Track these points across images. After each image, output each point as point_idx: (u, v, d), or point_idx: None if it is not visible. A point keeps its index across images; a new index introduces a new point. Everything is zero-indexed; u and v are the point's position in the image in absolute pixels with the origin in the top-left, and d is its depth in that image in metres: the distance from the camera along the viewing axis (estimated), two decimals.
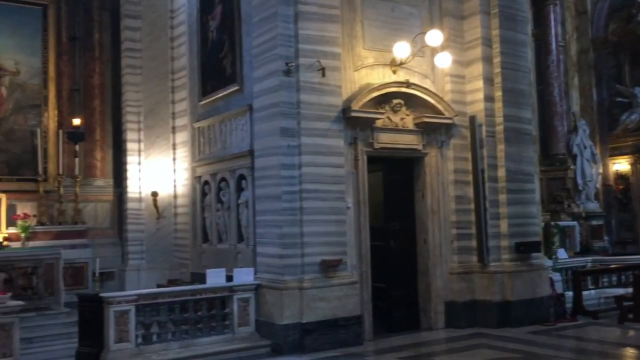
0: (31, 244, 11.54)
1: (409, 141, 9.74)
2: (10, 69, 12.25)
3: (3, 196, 11.53)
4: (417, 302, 9.94)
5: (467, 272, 9.93)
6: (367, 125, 9.27)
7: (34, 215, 11.91)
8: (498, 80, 10.05)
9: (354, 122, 9.08)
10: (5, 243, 11.26)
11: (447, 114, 9.85)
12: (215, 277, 8.71)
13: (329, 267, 8.54)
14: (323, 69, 8.68)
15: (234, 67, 10.36)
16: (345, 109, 8.95)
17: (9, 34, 12.23)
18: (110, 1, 13.29)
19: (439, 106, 9.78)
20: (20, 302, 7.40)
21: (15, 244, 11.39)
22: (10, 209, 11.65)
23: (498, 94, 10.05)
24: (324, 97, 8.79)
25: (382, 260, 9.62)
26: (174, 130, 12.49)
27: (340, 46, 9.06)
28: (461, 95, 10.18)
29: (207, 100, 11.19)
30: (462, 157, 10.09)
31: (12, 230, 11.51)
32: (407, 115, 9.66)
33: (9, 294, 7.60)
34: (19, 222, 11.54)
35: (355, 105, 8.99)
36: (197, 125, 11.51)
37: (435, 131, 9.92)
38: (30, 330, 9.06)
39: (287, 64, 8.60)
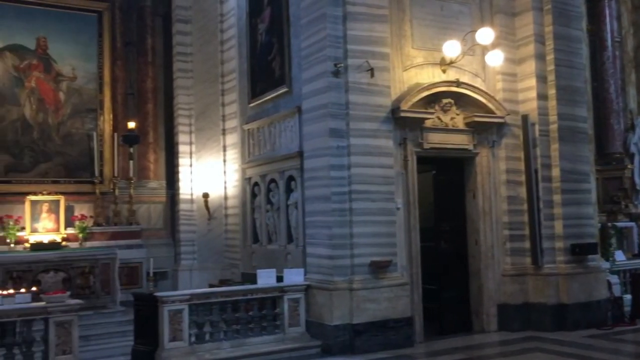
0: (88, 244, 11.91)
1: (460, 141, 9.62)
2: (68, 75, 12.68)
3: (62, 198, 11.92)
4: (469, 304, 9.80)
5: (520, 274, 9.73)
6: (417, 125, 9.19)
7: (91, 216, 12.29)
8: (552, 77, 9.82)
9: (403, 123, 9.02)
10: (64, 243, 11.66)
11: (498, 113, 9.68)
12: (266, 278, 8.79)
13: (378, 268, 8.51)
14: (372, 70, 8.66)
15: (283, 69, 10.43)
16: (395, 109, 8.90)
17: (66, 40, 12.66)
18: (162, 6, 13.60)
19: (490, 105, 9.62)
20: (79, 301, 7.65)
21: (74, 244, 11.79)
22: (69, 210, 12.05)
23: (552, 91, 9.82)
24: (373, 98, 8.76)
25: (432, 262, 9.52)
26: (224, 132, 12.67)
27: (389, 46, 9.02)
28: (513, 94, 9.99)
29: (256, 103, 11.31)
30: (514, 156, 9.90)
31: (71, 230, 11.90)
32: (457, 114, 9.54)
33: (68, 293, 7.84)
34: (77, 223, 11.93)
35: (405, 106, 8.92)
36: (246, 127, 11.65)
37: (486, 130, 9.77)
38: (88, 328, 9.33)
39: (335, 65, 8.61)
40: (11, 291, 8.31)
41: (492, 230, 9.73)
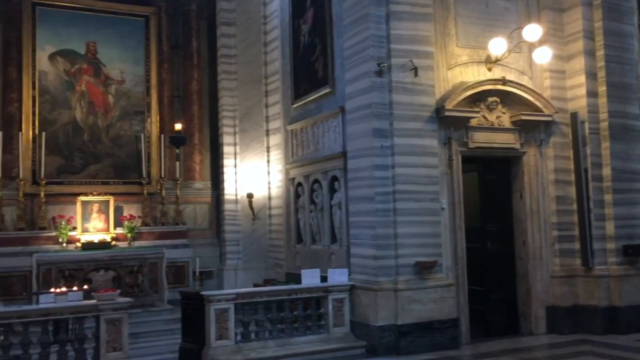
0: (137, 243, 12.19)
1: (506, 140, 9.46)
2: (117, 78, 12.99)
3: (111, 198, 12.23)
4: (517, 306, 9.63)
5: (569, 275, 9.51)
6: (462, 124, 9.08)
7: (139, 217, 12.56)
8: (602, 74, 9.57)
9: (447, 122, 8.93)
10: (113, 243, 11.96)
11: (546, 111, 9.49)
12: (310, 278, 8.82)
13: (423, 269, 8.44)
14: (416, 69, 8.60)
15: (326, 70, 10.46)
16: (439, 109, 8.81)
17: (115, 45, 12.98)
18: (207, 10, 13.80)
19: (538, 103, 9.43)
20: (128, 299, 7.81)
21: (122, 244, 12.08)
22: (118, 211, 12.34)
23: (602, 88, 9.57)
24: (417, 97, 8.70)
25: (478, 263, 9.39)
26: (267, 133, 12.78)
27: (433, 45, 8.94)
28: (561, 91, 9.77)
29: (300, 103, 11.37)
30: (563, 155, 9.68)
31: (120, 230, 12.19)
32: (504, 113, 9.39)
33: (118, 291, 8.02)
34: (126, 223, 12.21)
35: (449, 105, 8.83)
36: (290, 127, 11.72)
37: (533, 129, 9.58)
38: (137, 326, 9.54)
39: (379, 64, 8.58)
40: (64, 289, 8.56)
41: (540, 230, 9.53)
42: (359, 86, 8.89)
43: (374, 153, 8.55)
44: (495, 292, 9.58)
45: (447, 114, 8.78)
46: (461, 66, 9.27)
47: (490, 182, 9.84)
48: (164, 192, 12.84)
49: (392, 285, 8.34)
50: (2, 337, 7.15)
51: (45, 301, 7.50)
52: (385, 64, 8.57)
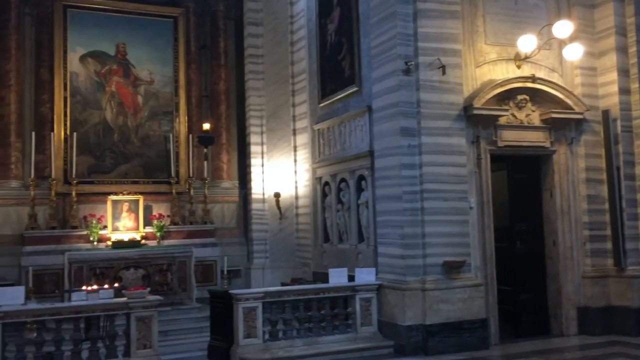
0: (166, 242, 12.32)
1: (536, 138, 9.34)
2: (146, 79, 13.15)
3: (141, 198, 12.38)
4: (547, 307, 9.51)
5: (601, 276, 9.35)
6: (490, 122, 8.99)
7: (168, 216, 12.69)
8: (634, 71, 9.38)
9: (476, 120, 8.85)
10: (143, 241, 12.10)
11: (577, 109, 9.34)
12: (337, 277, 8.82)
13: (452, 269, 8.39)
14: (443, 67, 8.54)
15: (353, 69, 10.44)
16: (467, 107, 8.74)
17: (144, 45, 13.14)
18: (234, 10, 13.88)
19: (568, 101, 9.29)
20: (158, 297, 7.91)
21: (152, 243, 12.21)
22: (147, 210, 12.49)
23: (634, 85, 9.39)
24: (445, 96, 8.64)
25: (507, 262, 9.29)
26: (294, 132, 12.81)
27: (461, 42, 8.87)
28: (593, 89, 9.61)
29: (326, 102, 11.37)
30: (594, 154, 9.53)
31: (149, 229, 12.34)
32: (533, 111, 9.27)
33: (148, 289, 8.12)
34: (155, 222, 12.36)
35: (478, 103, 8.75)
36: (316, 127, 11.73)
37: (564, 127, 9.44)
38: (166, 324, 9.65)
39: (406, 63, 8.54)
40: (95, 287, 8.70)
41: (570, 230, 9.39)
42: (386, 85, 8.86)
43: (401, 152, 8.52)
44: (525, 292, 9.46)
45: (475, 112, 8.71)
46: (490, 64, 9.18)
47: (520, 181, 9.72)
48: (192, 191, 12.95)
49: (420, 285, 8.30)
50: (35, 334, 7.31)
51: (77, 299, 7.63)
52: (413, 62, 8.53)
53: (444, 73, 8.54)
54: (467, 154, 8.79)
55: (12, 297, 7.16)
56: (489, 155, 9.02)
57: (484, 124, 8.94)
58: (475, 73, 9.06)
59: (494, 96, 8.92)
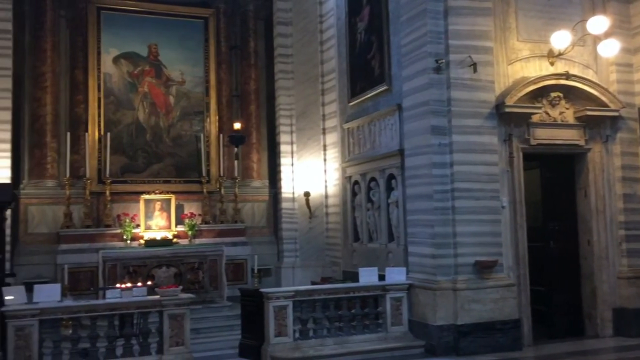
0: (197, 241, 12.46)
1: (569, 136, 9.19)
2: (177, 79, 13.31)
3: (172, 197, 12.54)
4: (581, 308, 9.34)
5: (638, 276, 9.16)
6: (523, 120, 8.87)
7: (199, 215, 12.84)
8: None
9: (508, 118, 8.74)
10: (175, 240, 12.25)
11: (612, 106, 9.16)
12: (368, 276, 8.81)
13: (483, 268, 8.30)
14: (474, 65, 8.45)
15: (382, 67, 10.40)
16: (499, 105, 8.63)
17: (175, 46, 13.31)
18: (264, 10, 13.96)
19: (603, 98, 9.11)
20: (190, 295, 8.00)
21: (183, 241, 12.36)
22: (179, 209, 12.65)
23: None
24: (476, 94, 8.55)
25: (541, 262, 9.16)
26: (324, 131, 12.80)
27: (493, 40, 8.77)
28: (629, 85, 9.42)
29: (356, 101, 11.35)
30: (630, 152, 9.35)
31: (180, 228, 12.49)
32: (567, 108, 9.12)
33: (180, 287, 8.21)
34: (186, 220, 12.50)
35: (510, 101, 8.63)
36: (346, 126, 11.72)
37: (598, 125, 9.27)
38: (198, 322, 9.76)
39: (437, 61, 8.48)
40: (129, 285, 8.83)
41: (606, 230, 9.22)
42: (416, 83, 8.81)
43: (432, 151, 8.46)
44: (558, 292, 9.31)
45: (507, 110, 8.60)
46: (522, 61, 9.05)
47: (553, 179, 9.58)
48: (222, 190, 13.07)
49: (451, 285, 8.24)
50: (70, 331, 7.45)
51: (112, 296, 7.75)
52: (443, 61, 8.47)
53: (475, 71, 8.46)
54: (499, 152, 8.69)
55: (48, 295, 7.32)
56: (521, 154, 8.90)
57: (517, 122, 8.83)
58: (507, 70, 8.95)
59: (527, 94, 8.80)
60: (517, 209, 8.76)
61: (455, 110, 8.44)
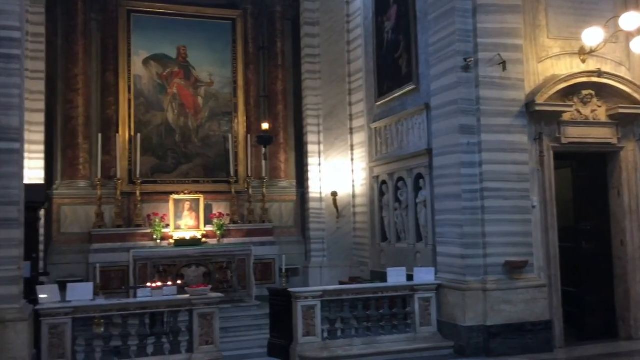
0: (225, 241, 12.58)
1: (602, 135, 9.02)
2: (205, 80, 13.44)
3: (201, 197, 12.66)
4: (614, 309, 9.15)
5: None
6: (553, 119, 8.74)
7: (227, 214, 12.94)
8: None
9: (538, 117, 8.62)
10: (203, 240, 12.37)
11: None
12: (396, 276, 8.77)
13: (513, 269, 8.21)
14: (504, 63, 8.36)
15: (410, 67, 10.36)
16: (529, 103, 8.52)
17: (204, 48, 13.45)
18: (291, 11, 14.01)
19: (637, 95, 8.93)
20: (219, 294, 8.05)
21: (212, 241, 12.47)
22: (207, 209, 12.76)
23: None
24: (506, 92, 8.46)
25: (572, 263, 9.02)
26: (351, 131, 12.80)
27: (522, 37, 8.67)
28: None
29: (383, 101, 11.32)
30: None
31: (209, 228, 12.60)
32: (599, 106, 8.96)
33: (210, 287, 8.27)
34: (215, 220, 12.61)
35: (540, 99, 8.52)
36: (373, 125, 11.69)
37: (632, 123, 9.09)
38: (227, 321, 9.81)
39: (465, 59, 8.42)
40: (159, 284, 8.94)
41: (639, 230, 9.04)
42: (444, 82, 8.75)
43: (460, 150, 8.40)
44: (590, 293, 9.15)
45: (537, 108, 8.49)
46: (552, 59, 8.92)
47: (585, 178, 9.42)
48: (250, 190, 13.15)
49: (480, 285, 8.17)
50: (102, 329, 7.57)
51: (143, 295, 7.86)
52: (472, 59, 8.39)
53: (504, 69, 8.36)
54: (529, 151, 8.58)
55: (81, 293, 7.44)
56: (552, 153, 8.78)
57: (547, 120, 8.70)
58: (537, 68, 8.83)
59: (558, 92, 8.67)
60: (547, 209, 8.64)
61: (484, 109, 8.36)
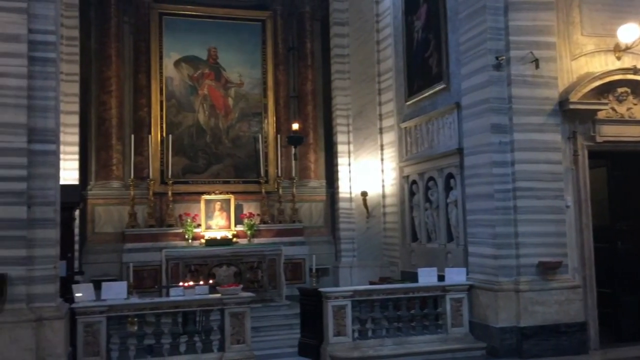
0: (256, 240, 12.65)
1: (638, 133, 8.83)
2: (236, 81, 13.54)
3: (232, 197, 12.76)
4: None
5: None
6: (588, 117, 8.60)
7: (258, 214, 13.02)
8: None
9: (572, 115, 8.48)
10: (234, 240, 12.46)
11: None
12: (427, 276, 8.72)
13: (547, 269, 8.10)
14: (536, 61, 8.25)
15: (440, 66, 10.29)
16: (562, 102, 8.39)
17: (234, 49, 13.55)
18: (320, 11, 14.03)
19: None
20: (251, 294, 8.09)
21: (242, 241, 12.56)
22: (238, 209, 12.86)
23: None
24: (538, 90, 8.35)
25: (607, 264, 8.85)
26: (381, 131, 12.77)
27: (555, 35, 8.54)
28: None
29: (413, 100, 11.28)
30: None
31: (240, 228, 12.69)
32: (635, 104, 8.79)
33: (241, 286, 8.33)
34: (245, 220, 12.70)
35: (574, 97, 8.39)
36: (403, 125, 11.64)
37: None
38: (257, 320, 9.84)
39: (497, 58, 8.33)
40: (191, 283, 9.03)
41: None
42: (475, 81, 8.67)
43: (492, 149, 8.32)
44: (626, 294, 8.98)
45: (571, 106, 8.35)
46: (587, 56, 8.78)
47: (620, 178, 9.25)
48: (280, 190, 13.21)
49: (513, 286, 8.08)
50: (136, 327, 7.67)
51: (175, 294, 7.95)
52: (504, 57, 8.30)
53: (537, 67, 8.26)
54: (563, 150, 8.46)
55: (116, 292, 7.55)
56: (586, 152, 8.63)
57: (581, 119, 8.56)
58: (571, 66, 8.70)
59: (592, 90, 8.53)
60: (582, 209, 8.50)
61: (516, 108, 8.27)
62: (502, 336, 8.01)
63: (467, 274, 8.75)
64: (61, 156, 9.50)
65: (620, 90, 8.67)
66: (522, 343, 7.94)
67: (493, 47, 8.37)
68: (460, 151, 9.43)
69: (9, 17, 6.54)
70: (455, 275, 8.71)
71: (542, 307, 8.03)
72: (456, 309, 8.52)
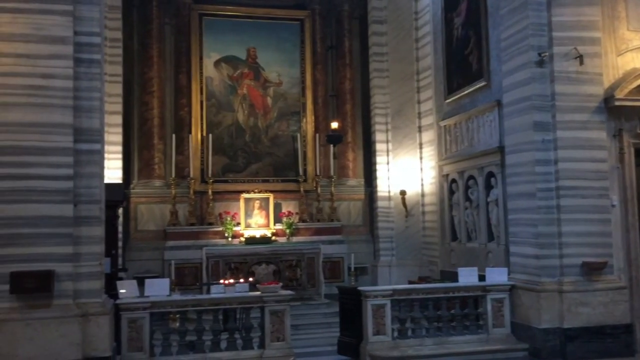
0: (294, 239, 12.71)
1: None
2: (274, 81, 13.63)
3: (271, 195, 12.85)
4: None
5: None
6: (634, 114, 8.38)
7: (296, 213, 13.09)
8: None
9: (618, 112, 8.28)
10: (273, 238, 12.55)
11: None
12: (467, 276, 8.63)
13: (591, 270, 7.92)
14: (581, 57, 8.08)
15: (481, 63, 10.17)
16: (608, 98, 8.20)
17: (272, 49, 13.64)
18: (358, 10, 14.01)
19: None
20: (290, 292, 8.14)
21: (281, 239, 12.64)
22: (277, 207, 12.94)
23: None
24: (582, 87, 8.17)
25: None
26: (420, 129, 12.69)
27: (600, 30, 8.35)
28: None
29: (453, 98, 11.17)
30: None
31: (279, 226, 12.78)
32: None
33: (280, 284, 8.39)
34: (284, 219, 12.78)
35: (620, 93, 8.18)
36: (442, 123, 11.55)
37: None
38: (296, 318, 9.87)
39: (539, 54, 8.19)
40: (231, 281, 9.13)
41: None
42: (517, 78, 8.54)
43: (534, 147, 8.18)
44: None
45: (617, 103, 8.16)
46: (633, 51, 8.55)
47: None
48: (319, 189, 13.24)
49: (556, 287, 7.93)
50: (178, 324, 7.80)
51: (216, 291, 8.05)
52: (547, 54, 8.15)
53: (581, 63, 8.08)
54: (608, 148, 8.26)
55: (158, 289, 7.70)
56: (632, 149, 8.42)
57: (627, 116, 8.35)
58: (616, 62, 8.48)
59: (639, 86, 8.29)
60: (628, 208, 8.29)
61: (559, 105, 8.11)
62: (545, 337, 7.88)
63: (509, 274, 8.63)
64: (105, 155, 9.74)
65: None
66: (566, 345, 7.79)
67: (535, 44, 8.23)
68: (501, 149, 9.31)
69: (55, 20, 6.69)
70: (497, 275, 8.60)
71: (586, 308, 7.87)
72: (497, 309, 8.41)
